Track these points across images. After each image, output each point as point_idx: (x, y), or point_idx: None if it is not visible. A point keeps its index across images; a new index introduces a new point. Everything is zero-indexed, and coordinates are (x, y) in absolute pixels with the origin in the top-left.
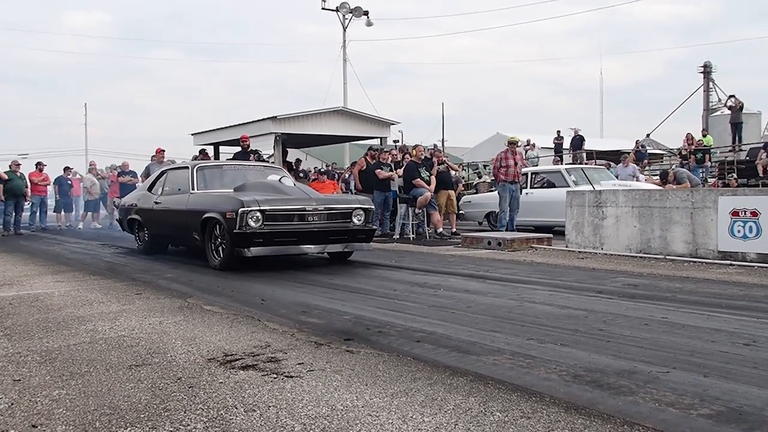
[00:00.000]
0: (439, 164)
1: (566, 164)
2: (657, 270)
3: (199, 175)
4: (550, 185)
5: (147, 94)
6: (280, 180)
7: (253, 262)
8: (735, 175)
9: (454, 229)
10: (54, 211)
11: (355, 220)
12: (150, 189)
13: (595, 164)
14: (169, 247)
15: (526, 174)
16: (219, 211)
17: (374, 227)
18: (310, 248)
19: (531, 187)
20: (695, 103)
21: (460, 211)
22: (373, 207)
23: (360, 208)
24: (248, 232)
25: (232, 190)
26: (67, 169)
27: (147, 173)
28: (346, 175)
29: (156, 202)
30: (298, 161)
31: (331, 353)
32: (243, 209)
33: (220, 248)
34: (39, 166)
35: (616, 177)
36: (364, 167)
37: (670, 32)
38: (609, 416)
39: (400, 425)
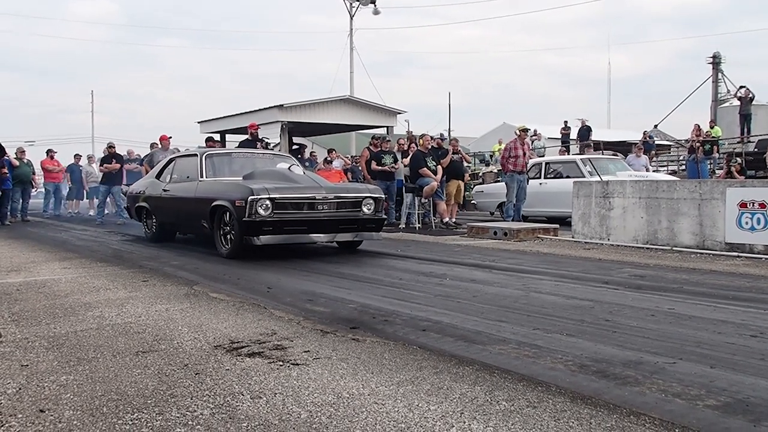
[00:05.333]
0: (453, 153)
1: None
2: (664, 261)
3: (208, 162)
4: (565, 176)
5: (153, 82)
6: (289, 168)
7: (260, 250)
8: (739, 160)
9: (454, 219)
10: (67, 199)
11: (365, 209)
12: (158, 176)
13: (602, 154)
14: (177, 235)
15: (540, 164)
16: (228, 199)
17: (384, 216)
18: (320, 237)
19: (545, 178)
20: (704, 94)
21: (472, 201)
22: (383, 196)
23: (370, 197)
24: (257, 220)
25: (241, 178)
26: (77, 156)
27: (150, 160)
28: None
29: (164, 190)
30: (303, 146)
31: (337, 341)
32: (252, 197)
33: (229, 236)
34: (50, 153)
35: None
36: (369, 157)
37: (677, 23)
38: (615, 406)
39: (406, 413)
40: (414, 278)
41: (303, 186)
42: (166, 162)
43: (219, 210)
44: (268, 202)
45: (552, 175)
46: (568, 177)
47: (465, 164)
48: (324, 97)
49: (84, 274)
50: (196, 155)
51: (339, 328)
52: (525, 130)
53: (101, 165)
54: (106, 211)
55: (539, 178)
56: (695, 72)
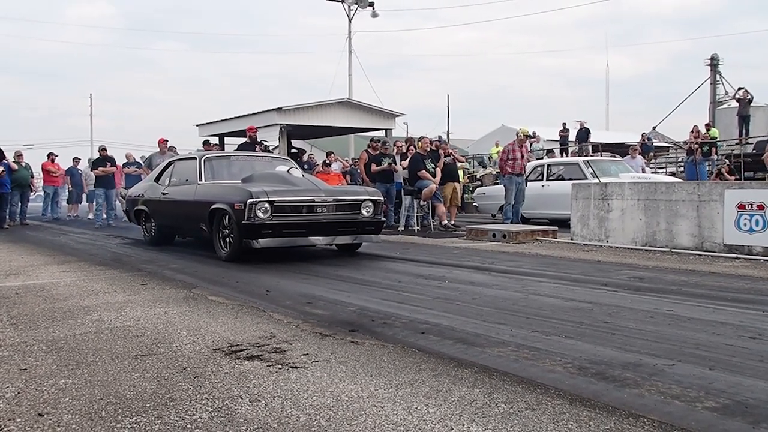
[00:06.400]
0: (445, 156)
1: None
2: (662, 263)
3: (206, 165)
4: (567, 178)
5: (152, 85)
6: (288, 171)
7: (259, 252)
8: (727, 162)
9: (453, 222)
10: (67, 202)
11: (364, 211)
12: (157, 180)
13: (600, 156)
14: (176, 238)
15: (542, 166)
16: (227, 202)
17: (383, 219)
18: (319, 240)
19: (547, 179)
20: (702, 95)
21: (474, 204)
22: (382, 199)
23: (369, 199)
24: (257, 223)
25: (240, 181)
26: (76, 159)
27: (149, 164)
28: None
29: (163, 193)
30: (302, 151)
31: (336, 344)
32: (252, 200)
33: (228, 239)
34: (51, 156)
35: None
36: (367, 160)
37: (676, 25)
38: (614, 408)
39: (405, 416)
40: (413, 281)
41: (302, 189)
42: (165, 165)
43: (218, 213)
44: (267, 205)
45: (554, 177)
46: (570, 179)
47: (459, 164)
48: (323, 99)
49: (83, 278)
50: (194, 158)
51: (338, 330)
52: (528, 135)
53: (94, 168)
54: (104, 216)
55: (541, 180)
56: (694, 74)
